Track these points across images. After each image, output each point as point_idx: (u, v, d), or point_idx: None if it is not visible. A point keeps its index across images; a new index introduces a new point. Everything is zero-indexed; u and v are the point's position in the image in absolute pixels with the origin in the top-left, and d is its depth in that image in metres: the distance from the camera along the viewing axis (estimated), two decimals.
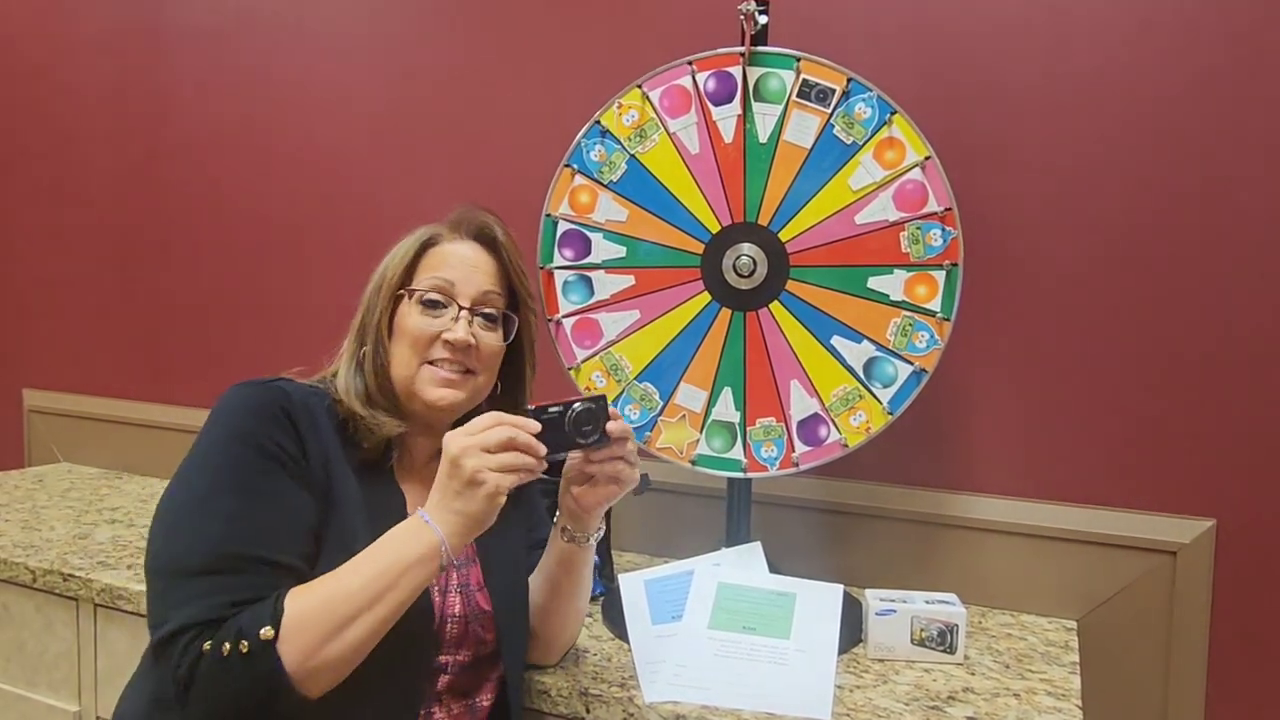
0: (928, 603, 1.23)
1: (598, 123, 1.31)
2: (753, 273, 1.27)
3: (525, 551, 1.17)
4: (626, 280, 1.33)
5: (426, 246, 1.09)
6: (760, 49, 1.26)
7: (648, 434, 1.33)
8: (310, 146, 2.01)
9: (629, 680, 1.14)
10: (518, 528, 1.18)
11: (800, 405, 1.29)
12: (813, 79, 1.25)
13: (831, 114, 1.25)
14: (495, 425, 0.91)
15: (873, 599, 1.24)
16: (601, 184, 1.32)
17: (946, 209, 1.23)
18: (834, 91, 1.25)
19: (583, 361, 1.34)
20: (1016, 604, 1.44)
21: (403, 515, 1.03)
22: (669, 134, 1.30)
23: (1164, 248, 1.36)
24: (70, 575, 1.48)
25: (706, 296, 1.30)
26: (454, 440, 0.91)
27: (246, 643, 0.84)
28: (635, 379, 1.33)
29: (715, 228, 1.29)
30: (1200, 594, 1.34)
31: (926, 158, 1.23)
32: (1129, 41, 1.36)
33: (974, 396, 1.47)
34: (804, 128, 1.26)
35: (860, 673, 1.19)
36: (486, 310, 1.07)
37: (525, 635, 1.13)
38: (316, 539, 0.95)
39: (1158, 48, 1.35)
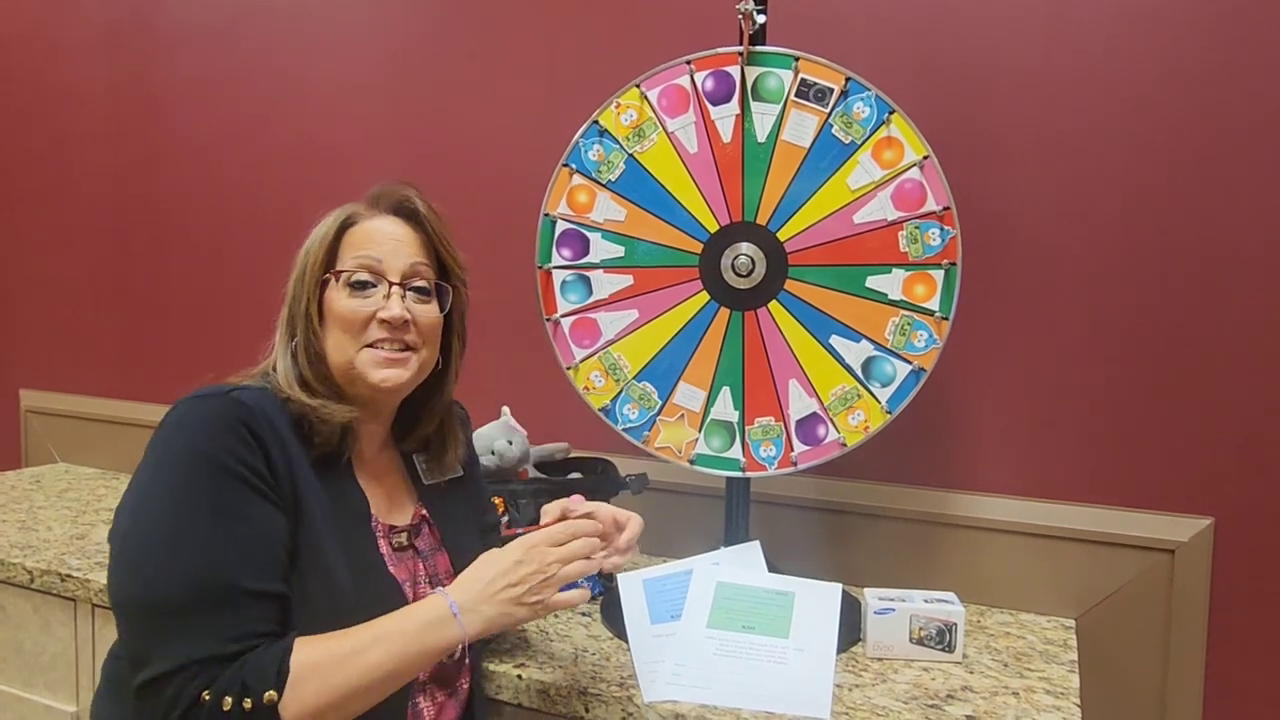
0: (926, 601, 1.23)
1: (596, 122, 1.31)
2: (751, 272, 1.27)
3: (478, 536, 1.18)
4: (625, 280, 1.33)
5: (346, 226, 1.04)
6: (758, 48, 1.26)
7: (646, 433, 1.33)
8: (307, 145, 2.00)
9: (628, 679, 1.14)
10: (470, 512, 1.19)
11: (799, 404, 1.29)
12: (811, 78, 1.25)
13: (830, 113, 1.25)
14: (571, 535, 0.96)
15: (871, 598, 1.24)
16: (600, 183, 1.32)
17: (945, 208, 1.23)
18: (832, 91, 1.24)
19: (581, 361, 1.34)
20: (1015, 603, 1.44)
21: (367, 518, 1.02)
22: (667, 133, 1.29)
23: (1163, 246, 1.36)
24: (68, 576, 1.48)
25: (705, 296, 1.30)
26: (532, 551, 0.94)
27: (250, 701, 0.83)
28: (634, 378, 1.33)
29: (714, 227, 1.29)
30: (1198, 592, 1.34)
31: (925, 157, 1.23)
32: (1128, 41, 1.36)
33: (972, 396, 1.47)
34: (802, 127, 1.26)
35: (859, 672, 1.19)
36: (418, 283, 1.04)
37: None
38: (289, 554, 0.92)
39: (1157, 46, 1.35)
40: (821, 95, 1.25)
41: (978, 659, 1.24)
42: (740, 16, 1.22)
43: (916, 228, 1.24)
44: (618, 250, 1.32)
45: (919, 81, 1.46)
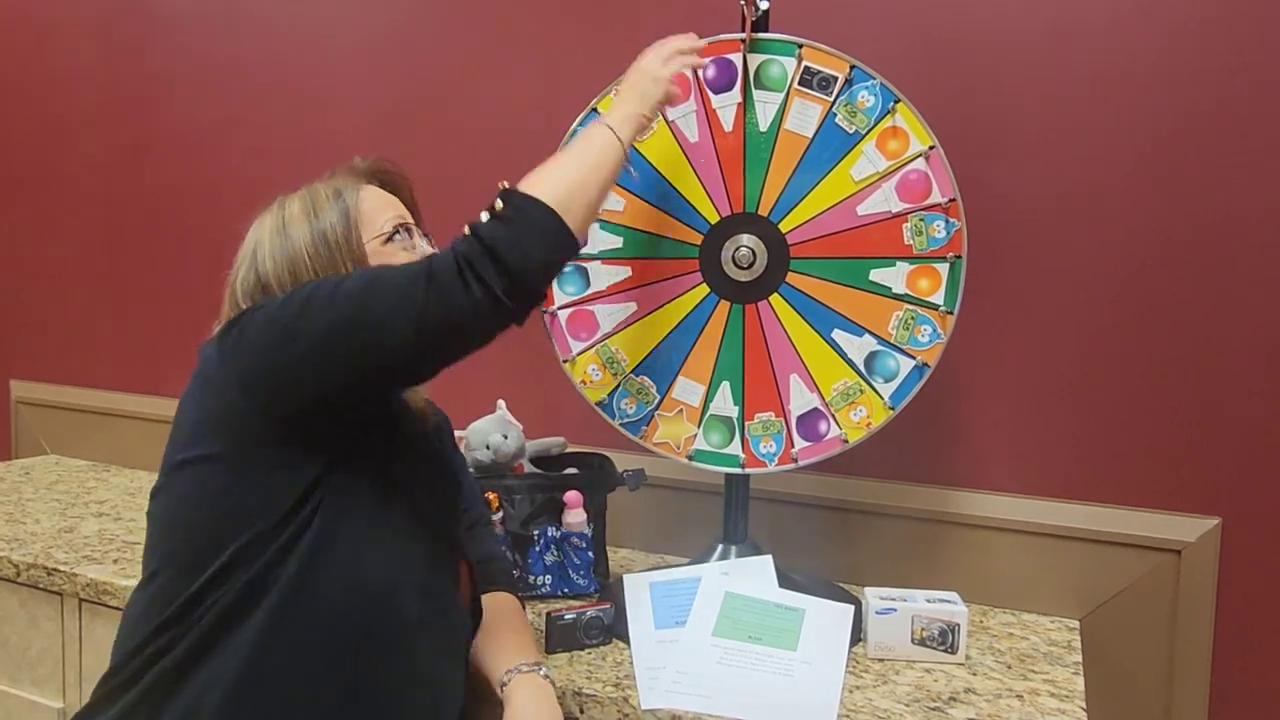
0: (929, 601, 1.21)
1: (595, 110, 1.29)
2: (752, 264, 1.25)
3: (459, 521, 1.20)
4: (623, 271, 1.30)
5: (351, 201, 1.09)
6: (761, 35, 1.24)
7: (644, 428, 1.31)
8: (301, 135, 1.98)
9: (624, 680, 1.12)
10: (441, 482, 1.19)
11: (800, 400, 1.27)
12: (815, 66, 1.22)
13: (834, 102, 1.22)
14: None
15: (873, 597, 1.22)
16: None
17: (950, 200, 1.21)
18: (836, 79, 1.22)
19: (579, 354, 1.32)
20: (1019, 603, 1.43)
21: (421, 432, 1.09)
22: (667, 122, 1.27)
23: (1171, 242, 1.34)
24: (55, 569, 1.46)
25: (705, 288, 1.28)
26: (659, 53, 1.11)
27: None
28: (632, 372, 1.31)
29: (714, 218, 1.27)
30: (1205, 593, 1.32)
31: (930, 148, 1.21)
32: (1138, 29, 1.34)
33: (977, 392, 1.45)
34: (805, 116, 1.23)
35: (860, 673, 1.17)
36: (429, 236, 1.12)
37: None
38: None
39: (1168, 35, 1.33)
40: (825, 84, 1.22)
41: (981, 660, 1.22)
42: (743, 3, 1.20)
43: (921, 220, 1.22)
44: (616, 241, 1.30)
45: (925, 70, 1.44)
